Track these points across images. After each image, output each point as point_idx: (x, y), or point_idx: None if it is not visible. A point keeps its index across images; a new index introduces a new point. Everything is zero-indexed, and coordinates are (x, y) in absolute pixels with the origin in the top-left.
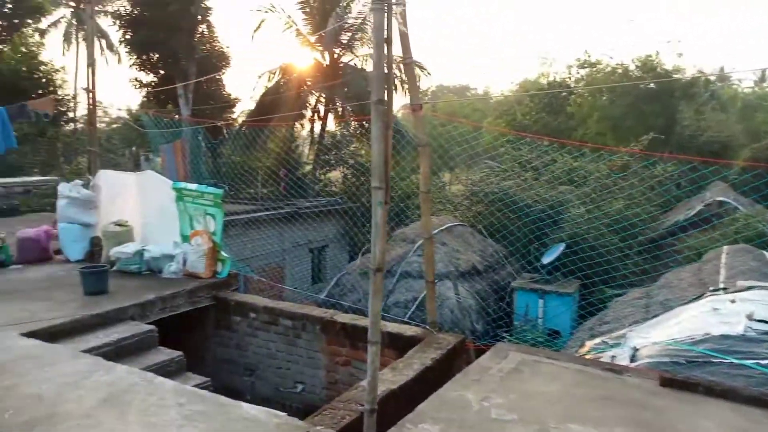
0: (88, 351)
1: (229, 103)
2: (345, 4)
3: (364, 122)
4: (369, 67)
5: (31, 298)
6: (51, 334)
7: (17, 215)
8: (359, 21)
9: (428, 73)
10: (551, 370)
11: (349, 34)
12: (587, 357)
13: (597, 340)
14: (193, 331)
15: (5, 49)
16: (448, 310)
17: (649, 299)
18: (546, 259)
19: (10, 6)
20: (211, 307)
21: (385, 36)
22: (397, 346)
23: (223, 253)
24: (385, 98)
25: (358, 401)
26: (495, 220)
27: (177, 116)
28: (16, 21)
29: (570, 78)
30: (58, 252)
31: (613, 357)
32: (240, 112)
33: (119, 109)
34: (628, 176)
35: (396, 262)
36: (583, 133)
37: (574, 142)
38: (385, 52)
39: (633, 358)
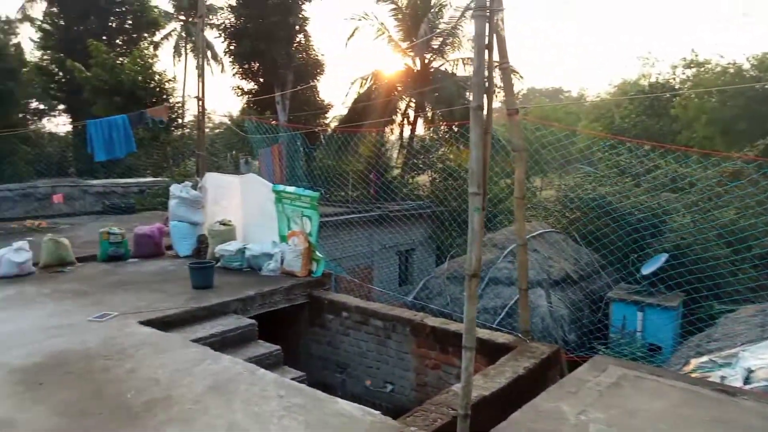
0: (197, 341)
1: (323, 109)
2: (437, 11)
3: (453, 126)
4: (459, 71)
5: (147, 289)
6: (164, 323)
7: (133, 213)
8: (451, 26)
9: (521, 77)
10: (655, 387)
11: (440, 39)
12: (693, 375)
13: (704, 358)
14: (289, 327)
15: (126, 61)
16: (539, 319)
17: (765, 317)
18: (646, 270)
19: (130, 22)
20: (306, 305)
21: (486, 42)
22: (488, 352)
23: (317, 253)
24: (485, 104)
25: (450, 405)
26: (593, 227)
27: (274, 122)
28: (135, 35)
29: (675, 79)
30: (169, 248)
31: (722, 377)
32: (332, 117)
33: (223, 116)
34: (743, 184)
35: (485, 268)
36: (688, 137)
37: (681, 147)
38: (486, 57)
39: (747, 380)
